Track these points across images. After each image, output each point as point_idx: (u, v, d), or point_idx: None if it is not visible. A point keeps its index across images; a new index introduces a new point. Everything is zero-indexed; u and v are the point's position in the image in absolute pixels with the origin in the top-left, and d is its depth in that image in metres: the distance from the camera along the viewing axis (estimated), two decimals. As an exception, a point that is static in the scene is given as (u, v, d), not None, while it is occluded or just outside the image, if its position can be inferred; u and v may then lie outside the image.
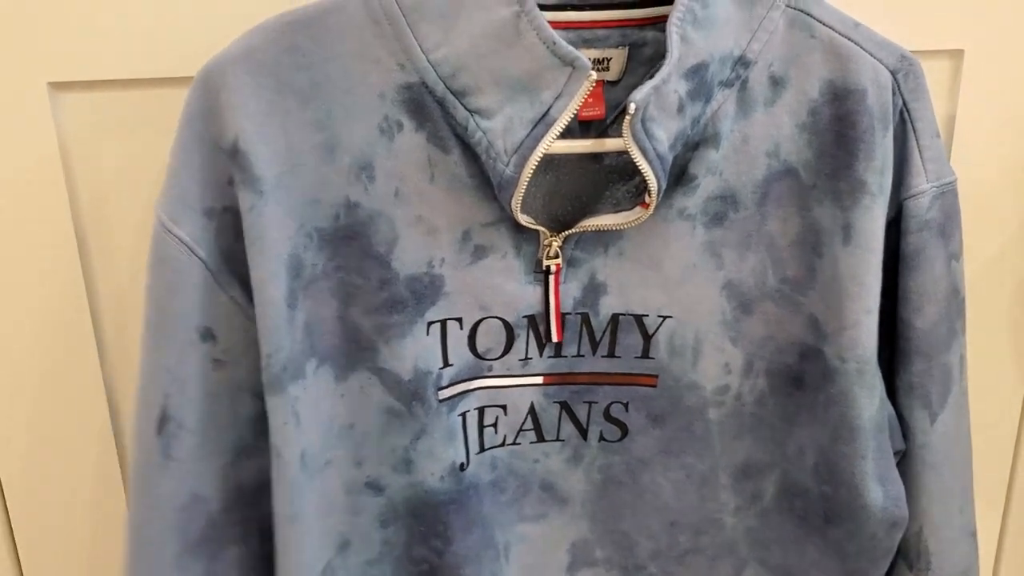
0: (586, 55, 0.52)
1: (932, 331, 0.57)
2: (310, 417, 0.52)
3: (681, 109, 0.50)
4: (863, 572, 0.58)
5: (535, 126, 0.48)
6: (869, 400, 0.55)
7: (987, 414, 0.66)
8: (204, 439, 0.52)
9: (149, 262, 0.50)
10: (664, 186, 0.51)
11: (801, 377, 0.58)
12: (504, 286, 0.55)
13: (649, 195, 0.51)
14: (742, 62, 0.52)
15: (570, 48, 0.47)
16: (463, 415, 0.57)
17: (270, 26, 0.49)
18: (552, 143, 0.49)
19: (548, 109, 0.48)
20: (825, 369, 0.56)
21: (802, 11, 0.53)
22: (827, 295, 0.55)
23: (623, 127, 0.48)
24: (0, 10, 0.55)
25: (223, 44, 0.49)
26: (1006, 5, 0.57)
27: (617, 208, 0.54)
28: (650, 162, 0.50)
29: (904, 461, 0.59)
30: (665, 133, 0.50)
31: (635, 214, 0.53)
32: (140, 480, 0.53)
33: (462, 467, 0.57)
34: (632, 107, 0.47)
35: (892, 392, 0.59)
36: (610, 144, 0.51)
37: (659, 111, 0.49)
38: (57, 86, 0.56)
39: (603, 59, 0.53)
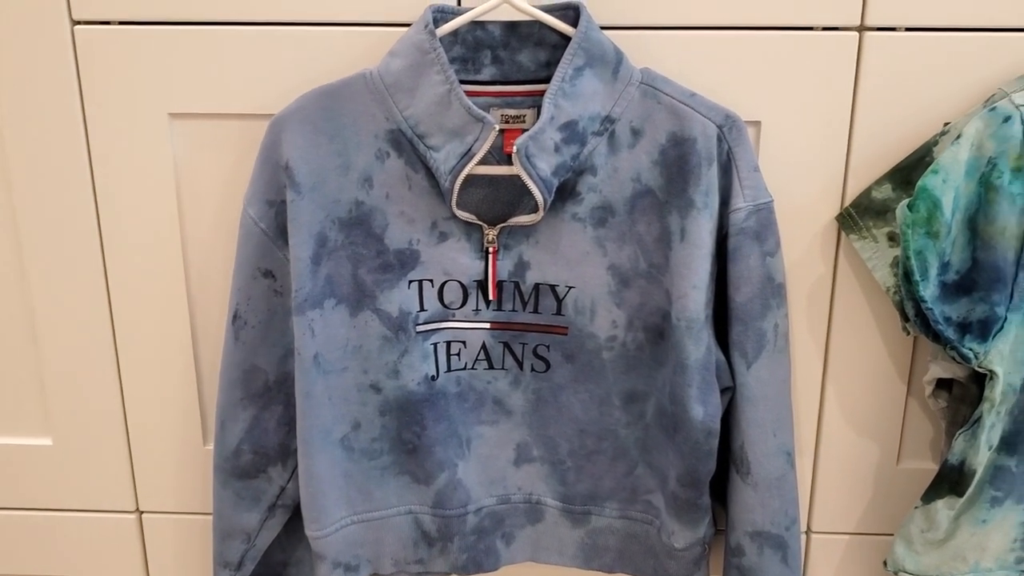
0: (508, 112, 0.82)
1: (747, 304, 0.82)
2: (324, 334, 0.84)
3: (557, 150, 0.79)
4: (694, 467, 0.84)
5: (462, 158, 0.78)
6: (695, 347, 0.82)
7: (799, 370, 0.90)
8: (264, 334, 0.86)
9: (238, 229, 0.84)
10: (548, 199, 0.80)
11: (663, 331, 0.85)
12: (460, 259, 0.85)
13: (537, 205, 0.80)
14: (608, 119, 0.80)
15: (481, 112, 0.77)
16: (435, 344, 0.88)
17: (311, 94, 0.81)
18: (473, 168, 0.79)
19: (470, 148, 0.78)
20: (671, 325, 0.83)
21: (651, 86, 0.80)
22: (673, 276, 0.82)
23: (513, 159, 0.77)
24: (131, 49, 0.82)
25: (302, 90, 0.80)
26: (793, 89, 0.82)
27: (529, 212, 0.83)
28: (535, 183, 0.79)
29: (732, 395, 0.85)
30: (546, 165, 0.79)
31: (536, 216, 0.82)
32: (224, 349, 0.87)
33: (433, 378, 0.88)
34: (514, 148, 0.77)
35: (726, 345, 0.85)
36: (512, 170, 0.80)
37: (539, 150, 0.78)
38: (175, 115, 0.86)
39: (520, 115, 0.82)
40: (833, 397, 0.91)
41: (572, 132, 0.79)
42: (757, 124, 0.83)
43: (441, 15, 0.80)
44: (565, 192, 0.82)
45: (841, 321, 0.89)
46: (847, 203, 0.85)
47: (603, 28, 0.80)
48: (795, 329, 0.89)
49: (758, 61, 0.82)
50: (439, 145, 0.79)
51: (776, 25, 0.81)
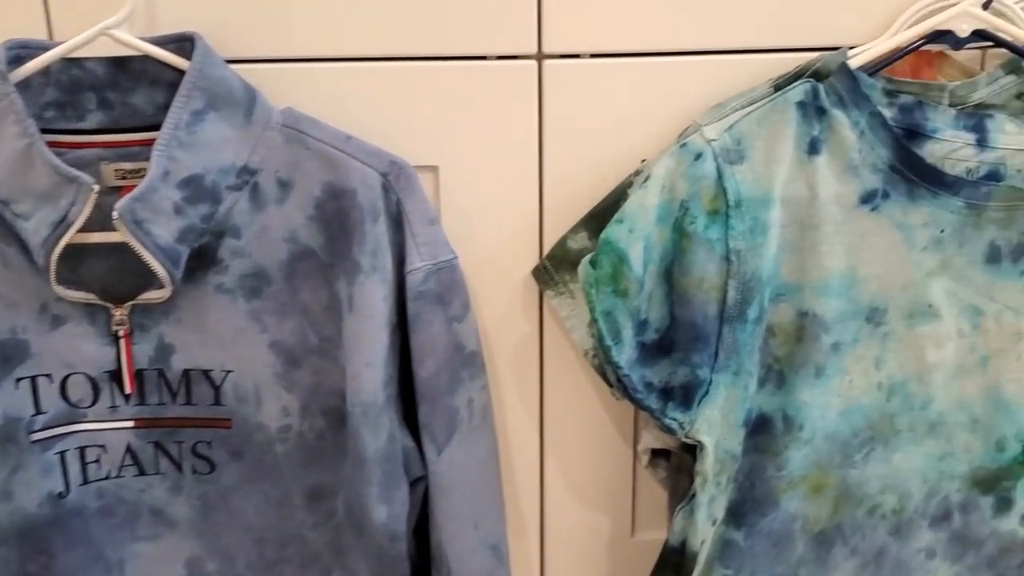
0: (124, 166, 0.67)
1: (433, 380, 0.70)
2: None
3: (180, 211, 0.64)
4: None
5: (57, 227, 0.63)
6: (374, 437, 0.69)
7: (513, 444, 0.79)
8: None
9: None
10: (175, 272, 0.65)
11: (344, 416, 0.72)
12: (84, 347, 0.69)
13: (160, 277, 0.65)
14: (247, 170, 0.67)
15: (71, 169, 0.62)
16: (62, 453, 0.71)
17: None
18: (79, 236, 0.63)
19: (66, 214, 0.63)
20: (347, 411, 0.70)
21: (296, 129, 0.67)
22: (346, 351, 0.69)
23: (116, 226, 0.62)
24: None
25: None
26: (471, 127, 0.71)
27: (159, 287, 0.68)
28: (152, 253, 0.64)
29: (426, 486, 0.73)
30: (166, 230, 0.64)
31: (164, 292, 0.67)
32: None
33: (61, 495, 0.71)
34: (115, 213, 0.62)
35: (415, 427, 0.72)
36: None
37: (153, 214, 0.63)
38: None
39: (139, 169, 0.67)
40: (554, 469, 0.81)
41: (198, 189, 0.65)
42: (433, 169, 0.72)
43: (25, 51, 0.64)
44: (205, 259, 0.68)
45: (554, 385, 0.78)
46: (545, 254, 0.74)
47: (235, 62, 0.67)
48: (504, 399, 0.78)
49: (428, 97, 0.70)
50: (29, 212, 0.63)
51: (443, 55, 0.70)
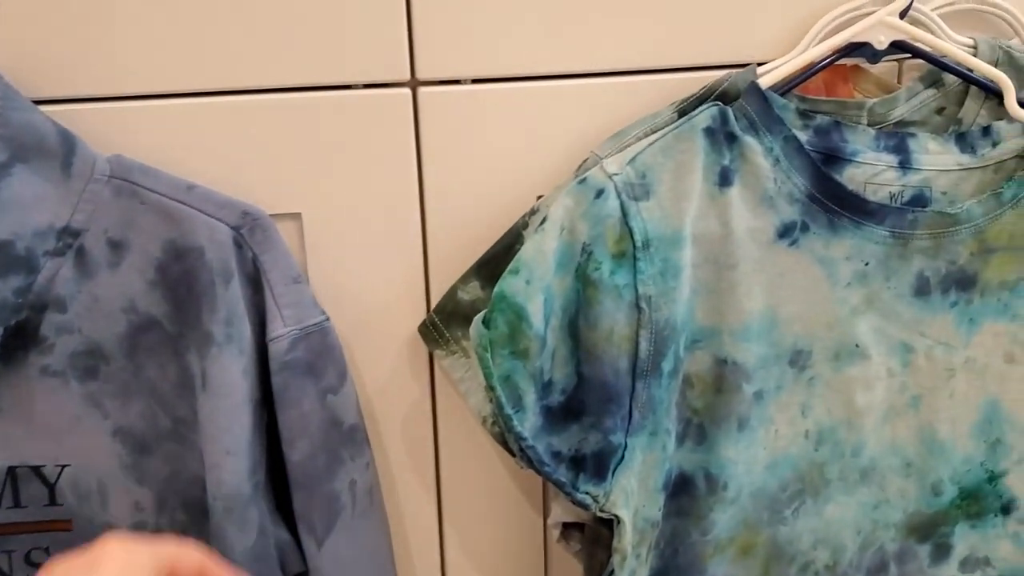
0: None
1: (307, 463, 0.61)
2: None
3: (-16, 286, 0.54)
4: None
5: None
6: (241, 535, 0.59)
7: (408, 525, 0.70)
8: None
9: None
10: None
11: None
12: None
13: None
14: (69, 232, 0.56)
15: None
16: None
17: None
18: None
19: None
20: (209, 505, 0.60)
21: (127, 180, 0.57)
22: (203, 437, 0.59)
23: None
24: None
25: None
26: (338, 167, 0.62)
27: (-35, 374, 0.57)
28: (-52, 337, 0.53)
29: (306, 583, 0.63)
30: (-33, 309, 0.53)
31: (-31, 379, 0.56)
32: None
33: None
34: None
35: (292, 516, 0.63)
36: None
37: (-52, 291, 0.52)
38: None
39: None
40: (456, 549, 0.72)
41: (8, 258, 0.55)
42: (296, 217, 0.63)
43: None
44: (24, 339, 0.58)
45: (451, 456, 0.70)
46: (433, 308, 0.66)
47: (45, 102, 0.56)
48: (395, 476, 0.70)
49: (284, 134, 0.61)
50: None
51: (302, 85, 0.60)
